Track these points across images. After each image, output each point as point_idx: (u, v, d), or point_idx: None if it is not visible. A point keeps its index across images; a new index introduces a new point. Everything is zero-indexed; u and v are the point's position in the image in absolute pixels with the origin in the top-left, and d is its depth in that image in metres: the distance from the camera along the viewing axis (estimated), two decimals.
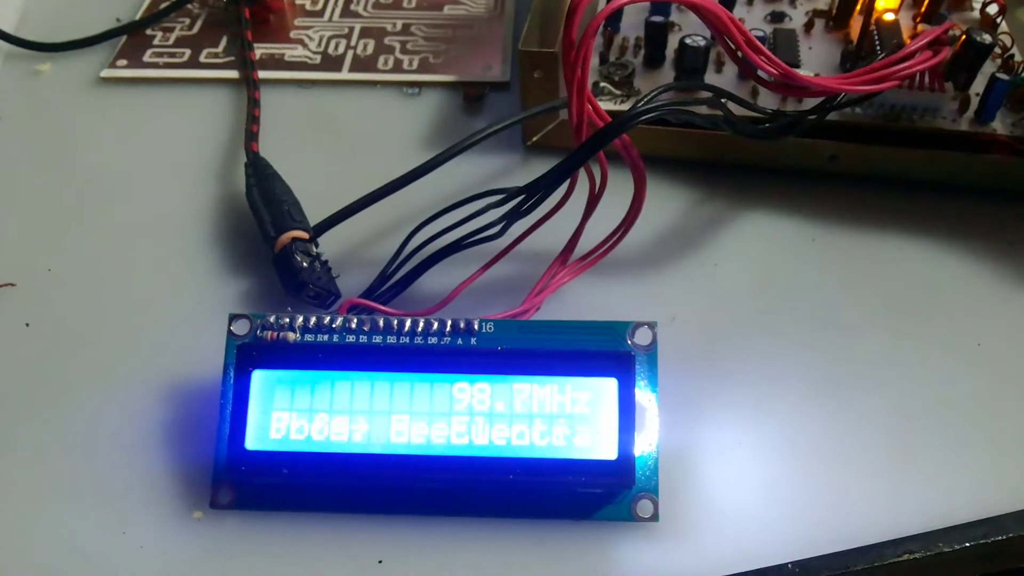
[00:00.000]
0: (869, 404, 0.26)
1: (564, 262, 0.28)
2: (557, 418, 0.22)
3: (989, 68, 0.33)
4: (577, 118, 0.23)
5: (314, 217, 0.30)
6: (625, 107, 0.32)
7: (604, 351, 0.23)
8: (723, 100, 0.26)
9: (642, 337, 0.24)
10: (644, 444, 0.23)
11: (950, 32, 0.33)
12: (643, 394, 0.23)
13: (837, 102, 0.27)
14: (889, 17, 0.34)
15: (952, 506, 0.24)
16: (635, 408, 0.22)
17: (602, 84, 0.33)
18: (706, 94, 0.26)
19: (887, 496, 0.24)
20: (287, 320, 0.24)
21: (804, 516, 0.24)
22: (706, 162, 0.33)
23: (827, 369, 0.27)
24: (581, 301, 0.28)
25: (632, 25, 0.35)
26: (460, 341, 0.24)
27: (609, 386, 0.23)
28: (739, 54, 0.24)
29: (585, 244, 0.28)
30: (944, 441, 0.25)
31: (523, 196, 0.25)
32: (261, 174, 0.31)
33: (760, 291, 0.29)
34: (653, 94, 0.25)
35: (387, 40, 0.39)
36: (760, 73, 0.26)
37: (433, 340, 0.24)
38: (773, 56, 0.25)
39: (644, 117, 0.23)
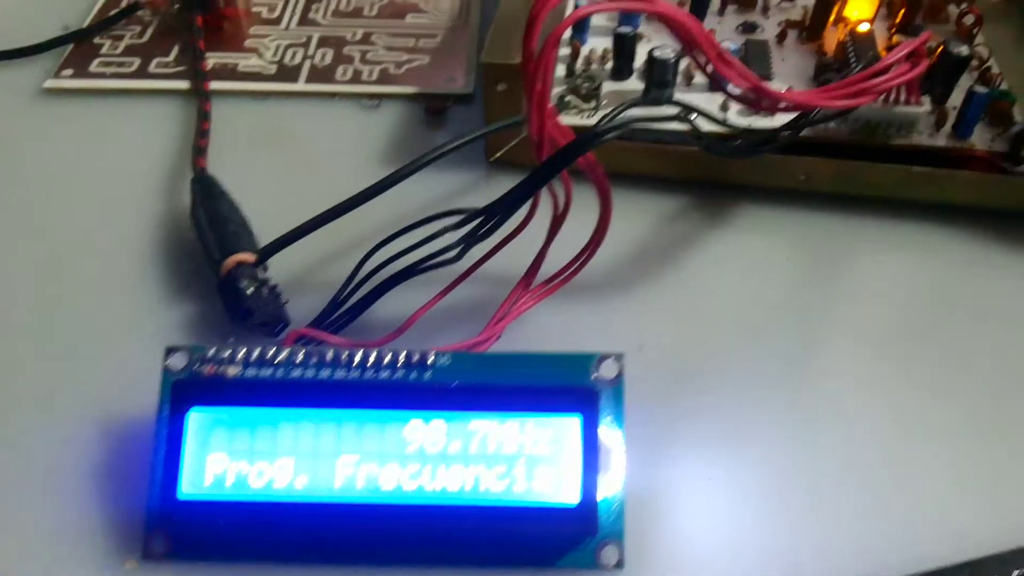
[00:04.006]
0: (849, 435, 0.25)
1: (527, 286, 0.26)
2: (516, 459, 0.21)
3: (966, 81, 0.32)
4: (537, 135, 0.22)
5: (265, 237, 0.28)
6: (593, 121, 0.31)
7: (567, 386, 0.22)
8: (691, 117, 0.25)
9: (608, 370, 0.22)
10: (609, 486, 0.21)
11: (927, 44, 0.32)
12: (608, 431, 0.22)
13: (811, 118, 0.26)
14: (864, 28, 0.33)
15: (938, 546, 0.22)
16: (599, 448, 0.21)
17: (568, 98, 0.31)
18: (674, 110, 0.25)
19: (868, 535, 0.23)
20: (228, 353, 0.22)
21: (781, 559, 0.22)
22: (677, 179, 0.31)
23: (804, 398, 0.26)
24: (544, 328, 0.27)
25: (600, 36, 0.34)
26: (414, 375, 0.22)
27: (572, 425, 0.21)
28: (709, 68, 0.23)
29: (550, 266, 0.26)
30: (931, 475, 0.24)
31: (481, 219, 0.23)
32: (207, 192, 0.29)
33: (732, 315, 0.28)
34: (618, 111, 0.23)
35: (346, 50, 0.37)
36: (731, 87, 0.24)
37: (385, 374, 0.22)
38: (745, 69, 0.23)
39: (608, 136, 0.22)
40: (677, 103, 0.25)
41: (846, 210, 0.31)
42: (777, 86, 0.31)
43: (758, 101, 0.24)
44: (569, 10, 0.34)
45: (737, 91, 0.24)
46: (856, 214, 0.31)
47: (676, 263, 0.29)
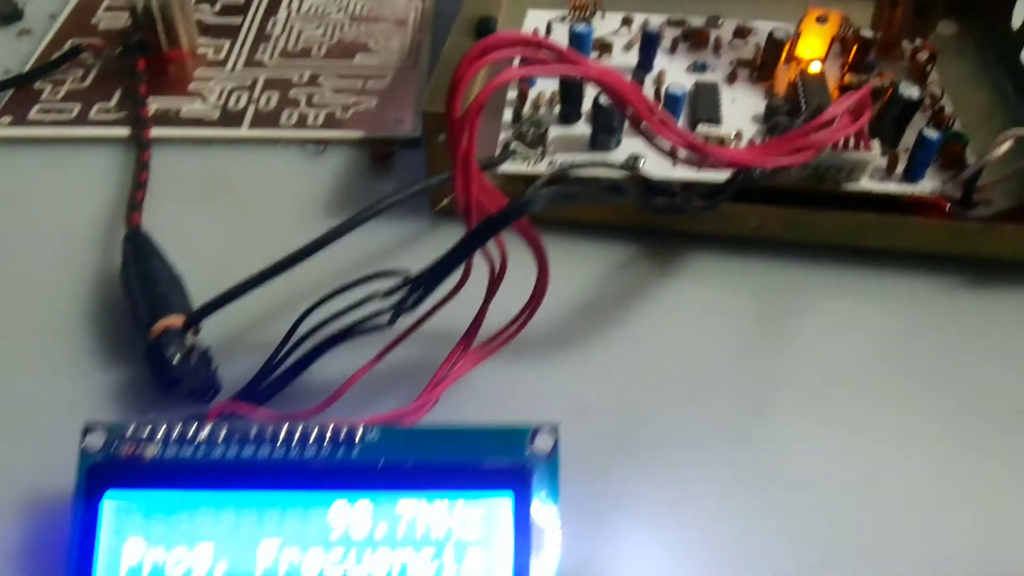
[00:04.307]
0: (802, 498, 0.24)
1: (466, 347, 0.25)
2: (445, 543, 0.20)
3: (920, 119, 0.32)
4: (463, 200, 0.21)
5: (203, 292, 0.27)
6: (539, 168, 0.30)
7: (498, 462, 0.21)
8: (628, 177, 0.24)
9: (542, 443, 0.21)
10: (542, 567, 0.20)
11: (876, 84, 0.32)
12: (542, 508, 0.21)
13: (752, 176, 0.25)
14: (815, 69, 0.33)
15: None
16: (532, 527, 0.20)
17: (514, 144, 0.31)
18: (610, 172, 0.24)
19: None
20: (148, 430, 0.22)
21: None
22: (626, 227, 0.31)
23: (756, 459, 0.25)
24: (484, 390, 0.26)
25: (549, 78, 0.33)
26: (341, 452, 0.21)
27: (503, 504, 0.20)
28: (646, 128, 0.22)
29: (492, 323, 0.26)
30: (889, 539, 0.23)
31: (408, 288, 0.23)
32: (139, 250, 0.28)
33: (682, 370, 0.27)
34: (550, 176, 0.22)
35: (292, 93, 0.37)
36: (670, 146, 0.24)
37: (311, 451, 0.21)
38: (683, 131, 0.23)
39: (537, 206, 0.21)
40: (610, 165, 0.25)
41: (800, 257, 0.30)
42: (726, 130, 0.31)
43: (698, 159, 0.24)
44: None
45: (676, 149, 0.24)
46: (811, 261, 0.30)
47: (624, 316, 0.29)
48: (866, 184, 0.30)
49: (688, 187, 0.26)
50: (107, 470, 0.21)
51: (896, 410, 0.26)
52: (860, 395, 0.27)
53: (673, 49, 0.35)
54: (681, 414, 0.26)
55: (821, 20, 0.33)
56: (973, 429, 0.26)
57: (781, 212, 0.29)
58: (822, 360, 0.27)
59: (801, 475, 0.25)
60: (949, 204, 0.29)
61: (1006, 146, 0.29)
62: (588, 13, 0.37)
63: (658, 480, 0.24)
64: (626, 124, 0.31)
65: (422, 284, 0.22)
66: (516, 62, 0.30)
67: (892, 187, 0.30)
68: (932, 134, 0.29)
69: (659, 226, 0.31)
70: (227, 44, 0.39)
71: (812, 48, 0.34)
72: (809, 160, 0.25)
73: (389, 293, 0.23)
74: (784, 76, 0.34)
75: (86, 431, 0.22)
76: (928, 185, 0.30)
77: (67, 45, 0.39)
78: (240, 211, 0.32)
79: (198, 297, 0.27)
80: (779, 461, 0.25)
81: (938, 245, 0.29)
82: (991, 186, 0.30)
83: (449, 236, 0.24)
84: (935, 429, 0.26)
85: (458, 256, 0.22)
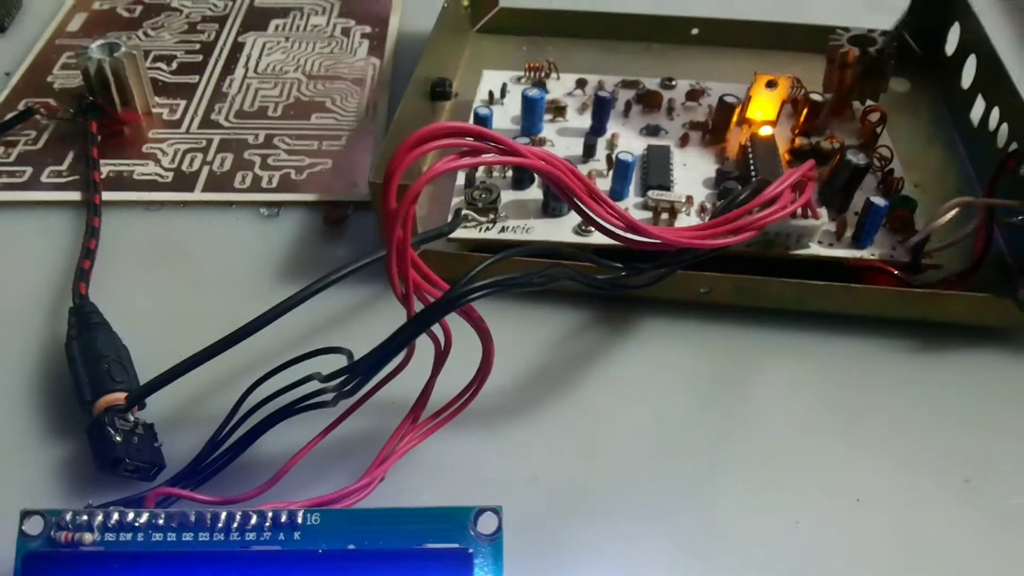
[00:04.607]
0: (755, 565, 0.24)
1: (414, 420, 0.25)
2: None
3: (871, 180, 0.32)
4: (400, 287, 0.21)
5: (150, 363, 0.27)
6: (490, 235, 0.30)
7: (440, 546, 0.21)
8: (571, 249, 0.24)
9: (486, 525, 0.21)
10: None
11: (825, 147, 0.32)
12: None
13: (695, 253, 0.25)
14: (765, 132, 0.33)
15: None
16: None
17: (465, 211, 0.31)
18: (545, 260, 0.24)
19: None
20: (86, 517, 0.21)
21: None
22: (578, 292, 0.31)
23: (708, 529, 0.25)
24: (432, 463, 0.26)
25: None
26: (282, 536, 0.21)
27: None
28: (585, 210, 0.23)
29: (440, 394, 0.25)
30: None
31: (349, 374, 0.22)
32: (84, 323, 0.28)
33: (633, 437, 0.27)
34: (487, 264, 0.22)
35: (247, 154, 0.36)
36: (609, 227, 0.24)
37: (251, 536, 0.21)
38: (623, 213, 0.23)
39: (475, 296, 0.21)
40: (547, 251, 0.25)
41: (752, 320, 0.30)
42: (676, 195, 0.31)
43: (634, 240, 0.24)
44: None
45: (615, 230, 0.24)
46: (762, 324, 0.30)
47: (575, 382, 0.29)
48: (815, 249, 0.30)
49: (633, 254, 0.26)
50: (44, 560, 0.20)
51: (847, 474, 0.26)
52: (811, 459, 0.27)
53: (627, 112, 0.36)
54: (633, 481, 0.26)
55: (771, 85, 0.34)
56: (923, 495, 0.26)
57: (729, 278, 0.29)
58: (774, 424, 0.27)
59: (754, 540, 0.25)
60: (897, 269, 0.29)
61: (952, 213, 0.29)
62: (543, 74, 0.37)
63: (609, 552, 0.24)
64: None
65: (362, 372, 0.22)
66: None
67: (841, 252, 0.30)
68: (880, 202, 0.29)
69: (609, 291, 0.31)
70: (183, 104, 0.39)
71: (762, 111, 0.34)
72: (751, 238, 0.25)
73: (329, 378, 0.23)
74: (735, 139, 0.34)
75: (24, 517, 0.21)
76: (877, 250, 0.30)
77: (21, 105, 0.39)
78: (190, 277, 0.32)
79: (146, 365, 0.27)
80: (732, 527, 0.25)
81: (886, 310, 0.29)
82: (939, 251, 0.30)
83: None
84: (885, 493, 0.26)
85: (398, 343, 0.21)
